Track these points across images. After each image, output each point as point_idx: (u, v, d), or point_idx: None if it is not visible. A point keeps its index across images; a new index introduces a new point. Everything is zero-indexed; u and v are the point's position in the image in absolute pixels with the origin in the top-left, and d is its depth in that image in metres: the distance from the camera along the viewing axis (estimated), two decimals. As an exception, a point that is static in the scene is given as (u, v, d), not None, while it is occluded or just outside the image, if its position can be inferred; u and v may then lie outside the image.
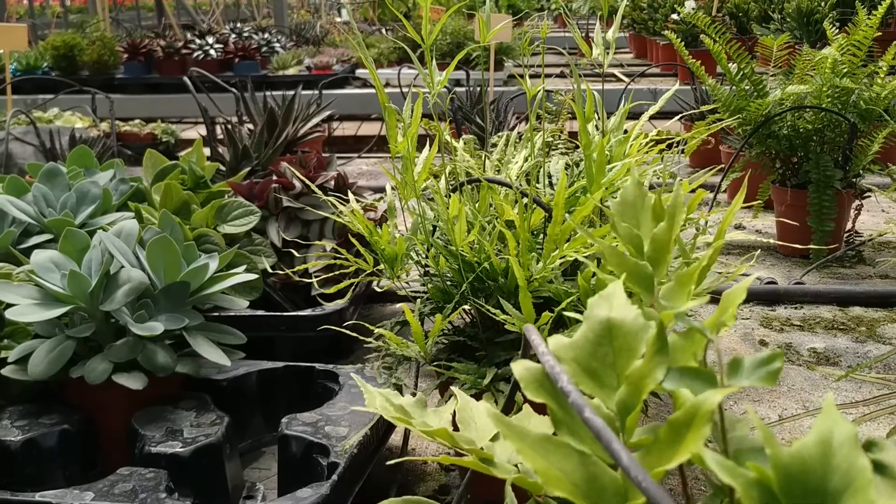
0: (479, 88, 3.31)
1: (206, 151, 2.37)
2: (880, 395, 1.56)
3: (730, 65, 2.34)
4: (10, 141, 2.92)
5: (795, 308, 2.04)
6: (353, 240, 1.32)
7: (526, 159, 1.33)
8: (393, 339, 1.14)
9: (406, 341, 1.17)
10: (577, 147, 1.71)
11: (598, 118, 1.39)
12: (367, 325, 1.22)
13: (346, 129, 5.56)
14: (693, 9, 4.40)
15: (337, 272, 1.44)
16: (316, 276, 1.56)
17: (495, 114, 2.85)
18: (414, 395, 1.24)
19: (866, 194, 2.29)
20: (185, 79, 2.56)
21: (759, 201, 2.37)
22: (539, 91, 1.14)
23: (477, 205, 1.26)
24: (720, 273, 1.17)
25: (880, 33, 2.23)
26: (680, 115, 1.90)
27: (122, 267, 1.28)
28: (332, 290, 1.32)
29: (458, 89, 3.51)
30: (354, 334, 1.21)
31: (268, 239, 1.82)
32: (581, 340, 0.64)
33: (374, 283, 1.35)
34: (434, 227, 1.29)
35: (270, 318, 1.63)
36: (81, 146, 1.89)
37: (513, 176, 1.28)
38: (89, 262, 1.29)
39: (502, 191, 1.27)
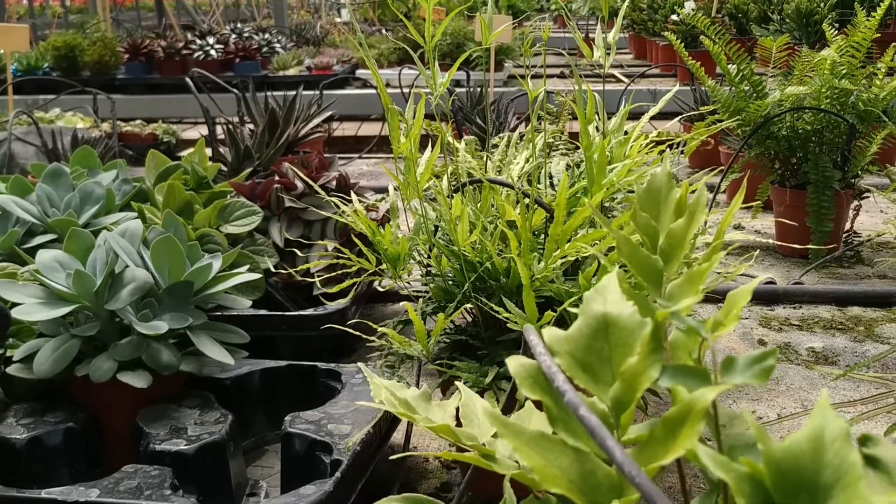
0: (479, 89, 3.33)
1: (208, 152, 2.38)
2: (878, 394, 1.57)
3: (729, 66, 2.35)
4: (13, 141, 2.93)
5: (794, 308, 2.05)
6: (356, 240, 1.33)
7: (527, 160, 1.34)
8: (396, 338, 1.15)
9: (408, 340, 1.18)
10: (578, 148, 1.72)
11: (599, 119, 1.40)
12: (370, 324, 1.23)
13: (346, 129, 5.57)
14: (693, 10, 4.41)
15: (339, 272, 1.45)
16: (318, 276, 1.57)
17: (496, 114, 2.86)
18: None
19: (865, 195, 2.30)
20: (187, 79, 2.57)
21: (759, 202, 2.39)
22: (540, 92, 1.15)
23: (479, 205, 1.27)
24: (719, 273, 1.18)
25: (879, 35, 2.24)
26: (679, 116, 1.91)
27: (127, 266, 1.29)
28: (335, 289, 1.33)
29: (458, 90, 3.53)
30: (357, 333, 1.22)
31: (270, 239, 1.83)
32: (576, 334, 0.64)
33: (377, 282, 1.36)
34: (436, 227, 1.30)
35: (273, 318, 1.64)
36: (85, 147, 1.90)
37: (514, 176, 1.30)
38: (94, 262, 1.30)
39: (503, 191, 1.28)
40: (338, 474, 1.08)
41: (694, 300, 0.67)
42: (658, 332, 0.62)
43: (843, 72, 2.21)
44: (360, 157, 3.93)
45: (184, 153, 2.36)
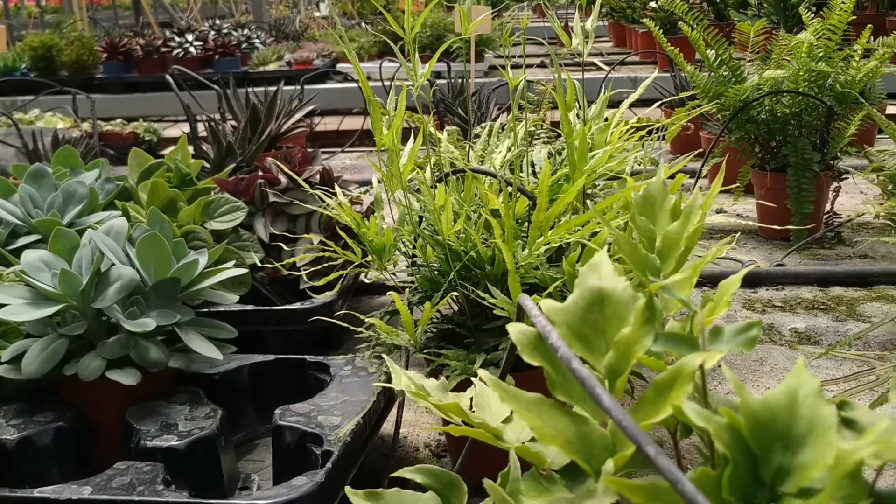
0: (460, 80, 3.33)
1: (190, 149, 2.38)
2: (860, 372, 1.60)
3: (708, 51, 2.36)
4: (-8, 143, 2.91)
5: (777, 289, 2.07)
6: (341, 232, 1.34)
7: (509, 149, 1.35)
8: (383, 329, 1.16)
9: (396, 330, 1.19)
10: (560, 136, 1.73)
11: (580, 107, 1.41)
12: (358, 315, 1.24)
13: (328, 123, 5.56)
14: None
15: (324, 265, 1.46)
16: (304, 270, 1.58)
17: (477, 105, 2.86)
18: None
19: (844, 176, 2.32)
20: (167, 76, 2.56)
21: (740, 186, 2.41)
22: (520, 81, 1.16)
23: (462, 195, 1.28)
24: (701, 257, 1.19)
25: (855, 17, 2.26)
26: (659, 102, 1.93)
27: (113, 265, 1.29)
28: (321, 282, 1.34)
29: (439, 81, 3.53)
30: (345, 324, 1.23)
31: (255, 234, 1.83)
32: (572, 306, 0.68)
33: (363, 275, 1.37)
34: (420, 217, 1.31)
35: (259, 313, 1.64)
36: (66, 146, 1.90)
37: (497, 165, 1.30)
38: (80, 261, 1.30)
39: (486, 181, 1.29)
40: (329, 465, 1.09)
41: (677, 278, 0.69)
42: (651, 305, 0.65)
43: (820, 54, 2.23)
44: (342, 151, 3.93)
45: (166, 151, 2.36)
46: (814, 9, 2.94)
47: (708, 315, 0.71)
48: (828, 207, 2.40)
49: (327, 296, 1.62)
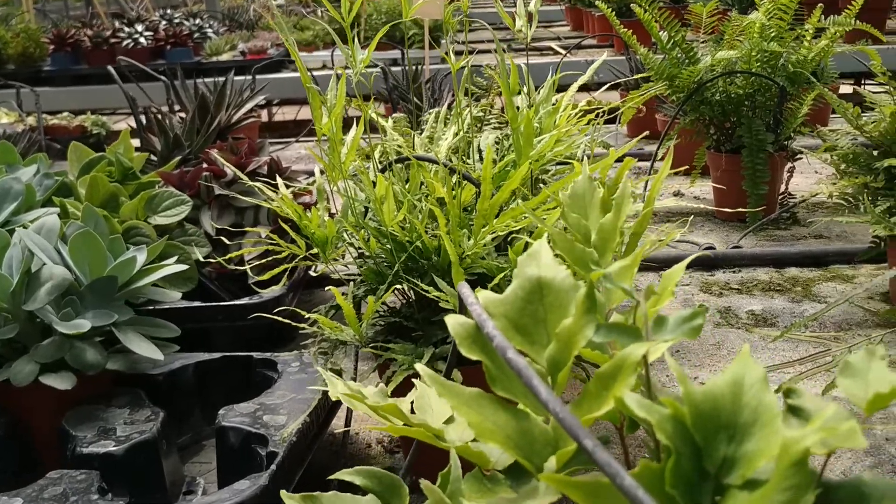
0: (416, 67, 3.29)
1: (136, 142, 2.31)
2: (816, 353, 1.59)
3: (661, 33, 2.35)
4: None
5: (734, 272, 2.07)
6: (284, 225, 1.29)
7: (456, 135, 1.32)
8: (326, 324, 1.13)
9: (340, 326, 1.15)
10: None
11: (527, 91, 1.38)
12: (300, 311, 1.19)
13: (285, 113, 5.49)
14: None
15: (271, 258, 1.42)
16: (250, 264, 1.53)
17: (431, 92, 2.82)
18: (354, 379, 1.22)
19: (798, 156, 2.32)
20: (110, 68, 2.49)
21: (696, 168, 2.40)
22: (462, 65, 1.12)
23: (408, 184, 1.25)
24: (660, 241, 1.17)
25: (806, -4, 2.26)
26: (610, 84, 1.90)
27: (44, 264, 1.24)
28: (266, 276, 1.29)
29: (394, 69, 3.48)
30: (287, 321, 1.19)
31: (201, 228, 1.78)
32: (512, 297, 0.66)
33: (311, 268, 1.33)
34: (366, 208, 1.27)
35: (206, 309, 1.59)
36: (1, 142, 1.82)
37: (442, 152, 1.27)
38: (10, 261, 1.24)
39: (433, 168, 1.25)
40: (273, 467, 1.05)
41: (624, 264, 0.67)
42: (592, 294, 0.62)
43: (773, 34, 2.22)
44: (297, 141, 3.87)
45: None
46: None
47: (652, 306, 0.68)
48: (782, 188, 2.39)
49: (275, 290, 1.58)
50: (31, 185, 1.62)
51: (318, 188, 1.26)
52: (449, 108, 1.57)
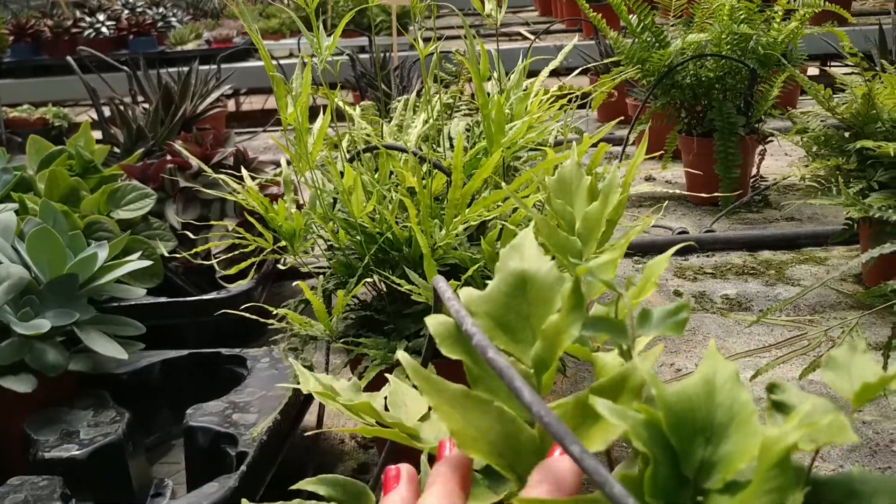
0: (384, 54, 3.24)
1: (98, 134, 2.25)
2: (792, 337, 1.58)
3: (630, 17, 2.32)
4: None
5: (707, 256, 2.06)
6: (250, 218, 1.26)
7: (426, 123, 1.29)
8: (295, 319, 1.09)
9: (310, 320, 1.12)
10: (481, 107, 1.67)
11: (498, 77, 1.35)
12: (267, 306, 1.16)
13: (253, 103, 5.42)
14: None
15: (239, 252, 1.38)
16: (217, 258, 1.49)
17: (399, 79, 2.79)
18: (326, 374, 1.19)
19: (769, 139, 2.31)
20: (69, 59, 2.42)
21: (667, 152, 2.38)
22: (431, 51, 1.09)
23: (377, 173, 1.21)
24: (638, 228, 1.15)
25: (775, -22, 2.25)
26: (581, 69, 1.87)
27: (1, 263, 1.20)
28: (233, 270, 1.26)
29: (362, 56, 3.44)
30: (255, 317, 1.15)
31: (167, 222, 1.74)
32: (494, 293, 0.62)
33: (280, 261, 1.29)
34: (335, 199, 1.24)
35: (173, 305, 1.55)
36: (-44, 136, 1.77)
37: (412, 140, 1.24)
38: (-36, 261, 1.20)
39: (403, 157, 1.22)
40: (243, 468, 1.02)
41: (608, 258, 0.65)
42: (578, 290, 0.59)
43: (742, 17, 2.21)
44: (264, 131, 3.81)
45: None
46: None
47: (635, 297, 0.66)
48: (754, 171, 2.39)
49: (244, 284, 1.55)
50: (-13, 180, 1.57)
51: (285, 179, 1.23)
52: (418, 95, 1.54)
